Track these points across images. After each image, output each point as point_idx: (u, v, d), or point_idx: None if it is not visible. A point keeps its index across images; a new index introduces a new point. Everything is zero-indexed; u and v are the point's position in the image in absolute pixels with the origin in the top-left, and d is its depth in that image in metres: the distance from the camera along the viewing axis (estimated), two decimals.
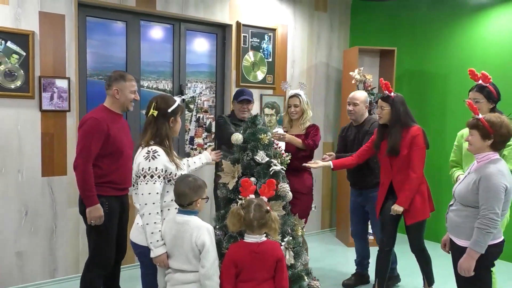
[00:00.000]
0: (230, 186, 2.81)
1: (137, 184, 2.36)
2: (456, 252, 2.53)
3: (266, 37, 4.89)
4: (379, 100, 3.33)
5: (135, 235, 2.43)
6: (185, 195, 2.22)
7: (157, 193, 2.30)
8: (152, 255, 2.30)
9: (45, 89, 3.62)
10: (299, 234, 2.95)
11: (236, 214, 2.25)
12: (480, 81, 3.01)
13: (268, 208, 2.29)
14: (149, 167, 2.32)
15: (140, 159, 2.35)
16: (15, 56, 3.49)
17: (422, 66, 5.31)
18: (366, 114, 3.77)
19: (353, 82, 4.86)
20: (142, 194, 2.30)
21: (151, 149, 2.35)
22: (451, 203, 2.65)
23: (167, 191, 2.39)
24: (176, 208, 2.33)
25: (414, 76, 5.38)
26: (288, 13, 5.07)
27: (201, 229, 2.19)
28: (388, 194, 3.38)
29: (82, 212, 2.96)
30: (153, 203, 2.29)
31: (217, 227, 2.90)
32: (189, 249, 2.18)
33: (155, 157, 2.33)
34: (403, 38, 5.41)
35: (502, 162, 2.47)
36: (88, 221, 2.90)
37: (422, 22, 5.27)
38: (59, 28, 3.67)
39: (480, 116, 2.48)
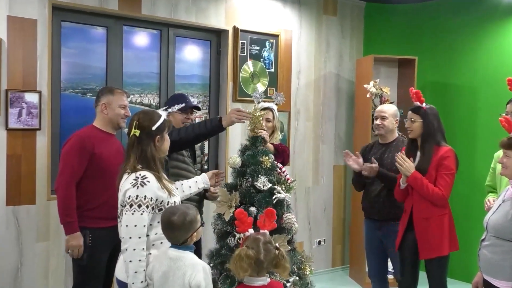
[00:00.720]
0: (227, 218, 2.81)
1: (121, 215, 2.36)
2: None
3: (267, 44, 4.95)
4: (409, 112, 3.35)
5: (121, 271, 2.41)
6: (176, 237, 2.21)
7: (144, 225, 2.29)
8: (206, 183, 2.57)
9: (13, 104, 3.64)
10: (307, 273, 2.94)
11: (246, 257, 2.13)
12: None
13: (277, 245, 2.27)
14: (137, 195, 2.31)
15: (127, 186, 2.35)
16: None
17: (447, 78, 5.35)
18: (396, 133, 3.76)
19: (368, 95, 4.89)
20: (127, 225, 2.29)
21: (140, 174, 2.36)
22: (483, 237, 2.61)
23: (159, 221, 2.37)
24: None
25: (438, 89, 5.41)
26: (292, 17, 5.14)
27: (196, 268, 2.17)
28: (409, 224, 3.35)
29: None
30: (139, 237, 2.28)
31: (211, 265, 2.89)
32: None
33: (144, 184, 2.33)
34: (425, 46, 5.46)
35: None
36: (65, 250, 2.95)
37: (446, 28, 5.33)
38: (30, 35, 3.71)
39: None
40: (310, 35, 5.29)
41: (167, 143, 2.54)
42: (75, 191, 2.95)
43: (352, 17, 5.62)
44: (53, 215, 3.83)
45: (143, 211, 2.30)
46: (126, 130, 3.05)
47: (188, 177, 3.02)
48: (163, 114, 2.53)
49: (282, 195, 2.80)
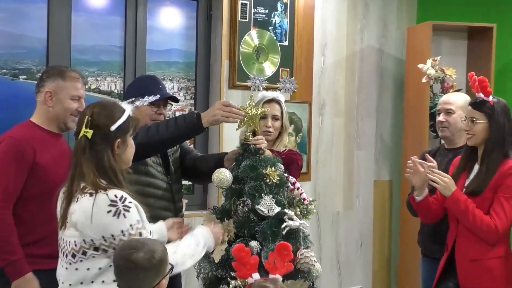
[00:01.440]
0: (217, 258, 2.82)
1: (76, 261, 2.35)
2: None
3: (279, 6, 4.93)
4: (469, 108, 3.32)
5: None
6: (139, 283, 2.15)
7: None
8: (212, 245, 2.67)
9: None
10: None
11: None
12: None
13: None
14: (122, 230, 2.30)
15: (100, 217, 2.29)
16: None
17: None
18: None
19: (424, 80, 4.87)
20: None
21: (115, 195, 2.32)
22: None
23: (110, 265, 2.35)
24: None
25: None
26: None
27: None
28: (450, 265, 3.34)
29: None
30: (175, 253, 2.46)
31: None
32: None
33: (128, 211, 2.32)
34: (507, 9, 5.45)
35: None
36: None
37: None
38: None
39: None
40: None
41: (131, 149, 2.50)
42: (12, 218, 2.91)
43: None
44: None
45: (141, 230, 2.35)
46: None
47: (155, 196, 3.03)
48: (127, 108, 2.49)
49: (296, 222, 2.78)
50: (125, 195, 2.33)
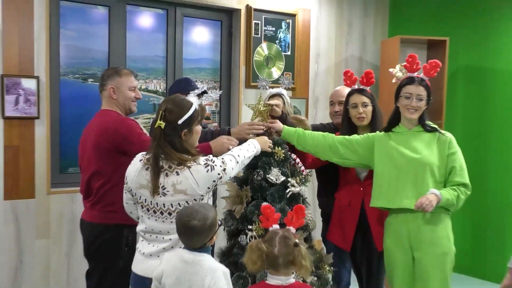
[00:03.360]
0: (238, 214, 2.79)
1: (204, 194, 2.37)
2: None
3: (283, 24, 4.91)
4: (356, 94, 3.29)
5: (139, 266, 2.41)
6: (195, 241, 2.14)
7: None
8: (261, 148, 2.68)
9: (9, 91, 3.67)
10: (326, 273, 2.93)
11: (256, 249, 2.18)
12: None
13: (297, 241, 2.26)
14: (218, 173, 2.36)
15: (200, 175, 2.30)
16: None
17: (483, 61, 5.25)
18: None
19: (393, 81, 4.77)
20: (232, 169, 2.46)
21: (205, 159, 2.34)
22: None
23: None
24: None
25: (472, 74, 5.33)
26: None
27: (216, 273, 2.10)
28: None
29: (101, 245, 2.91)
30: (237, 163, 2.50)
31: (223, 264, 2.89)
32: None
33: (215, 163, 2.35)
34: (457, 26, 5.36)
35: None
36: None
37: (482, 5, 5.22)
38: (26, 16, 3.72)
39: None
40: (330, 15, 5.25)
41: (196, 135, 2.43)
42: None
43: None
44: (53, 210, 3.88)
45: (225, 168, 2.40)
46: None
47: None
48: (195, 103, 2.42)
49: (297, 188, 2.78)
50: (208, 157, 2.36)
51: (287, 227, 2.32)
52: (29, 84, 3.74)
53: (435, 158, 2.88)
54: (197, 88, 3.37)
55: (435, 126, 3.03)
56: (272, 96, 3.32)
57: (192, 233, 2.12)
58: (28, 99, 3.75)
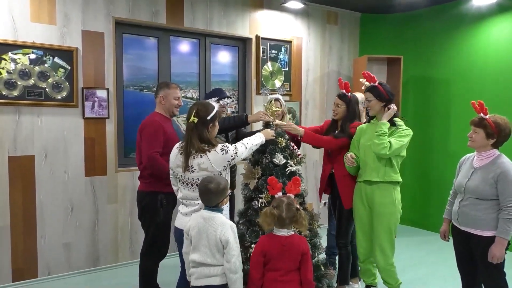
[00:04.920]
0: (251, 186, 2.79)
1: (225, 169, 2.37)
2: (480, 243, 2.45)
3: (283, 48, 4.86)
4: (336, 97, 3.21)
5: (179, 222, 2.44)
6: (210, 199, 2.18)
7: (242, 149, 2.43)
8: (265, 138, 2.63)
9: (87, 98, 3.67)
10: (316, 227, 2.92)
11: (270, 215, 2.21)
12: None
13: (298, 206, 2.26)
14: (231, 155, 2.34)
15: (219, 158, 2.30)
16: (61, 70, 3.56)
17: (427, 73, 5.19)
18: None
19: (362, 88, 4.74)
20: (242, 153, 2.42)
21: (221, 146, 2.33)
22: (460, 199, 2.57)
23: (184, 188, 2.41)
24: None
25: (420, 82, 5.26)
26: (302, 27, 5.03)
27: (225, 226, 2.14)
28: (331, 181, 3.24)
29: (142, 208, 2.96)
30: (245, 148, 2.45)
31: (240, 222, 2.89)
32: (213, 243, 2.14)
33: (228, 148, 2.34)
34: (409, 47, 5.30)
35: (504, 156, 2.48)
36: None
37: (426, 32, 5.15)
38: (99, 44, 3.72)
39: (486, 116, 2.46)
40: (316, 40, 5.17)
41: (216, 129, 2.44)
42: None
43: (350, 25, 5.46)
44: (120, 183, 3.90)
45: (237, 152, 2.38)
46: (176, 118, 3.05)
47: None
48: (215, 106, 2.44)
49: (294, 167, 2.76)
50: (224, 144, 2.36)
51: (287, 194, 2.33)
52: (101, 93, 3.74)
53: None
54: (227, 96, 3.41)
55: (399, 120, 2.92)
56: (272, 100, 3.26)
57: (209, 193, 2.16)
58: (101, 104, 3.74)
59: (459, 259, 2.65)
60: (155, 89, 3.28)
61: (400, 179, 2.92)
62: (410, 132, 2.87)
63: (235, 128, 3.24)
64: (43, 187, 3.55)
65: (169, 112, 3.06)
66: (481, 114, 2.47)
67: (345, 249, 3.21)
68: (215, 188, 2.16)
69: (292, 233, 2.25)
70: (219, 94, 3.40)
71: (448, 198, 2.79)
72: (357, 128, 3.08)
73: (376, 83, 2.90)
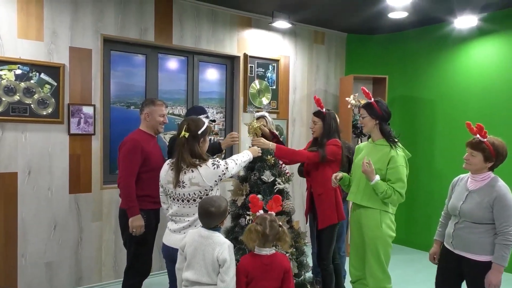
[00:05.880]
0: (239, 203, 2.80)
1: (212, 188, 2.37)
2: (474, 267, 2.41)
3: (270, 67, 4.94)
4: (312, 115, 3.24)
5: (167, 238, 2.44)
6: (210, 222, 2.17)
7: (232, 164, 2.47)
8: (253, 155, 2.66)
9: (73, 115, 3.66)
10: (302, 245, 2.93)
11: (254, 231, 2.20)
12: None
13: (280, 223, 2.27)
14: (223, 171, 2.37)
15: (210, 173, 2.32)
16: (47, 86, 3.55)
17: (412, 92, 5.32)
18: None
19: (349, 106, 4.87)
20: (232, 168, 2.46)
21: (212, 161, 2.36)
22: (455, 221, 2.51)
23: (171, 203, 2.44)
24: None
25: (405, 102, 5.39)
26: (290, 46, 5.13)
27: (223, 246, 2.12)
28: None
29: (123, 225, 2.96)
30: (236, 164, 2.49)
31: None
32: (209, 262, 2.12)
33: (219, 163, 2.37)
34: (394, 67, 5.43)
35: (500, 179, 2.44)
36: (130, 230, 2.87)
37: (411, 53, 5.31)
38: (86, 61, 3.73)
39: (485, 139, 2.39)
40: (303, 59, 5.27)
41: (207, 144, 2.46)
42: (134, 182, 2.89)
43: (336, 45, 5.59)
44: (105, 200, 3.86)
45: (227, 167, 2.41)
46: (163, 135, 3.05)
47: None
48: (206, 121, 2.46)
49: (282, 185, 2.79)
50: (214, 159, 2.38)
51: (269, 212, 2.34)
52: (88, 110, 3.74)
53: (377, 166, 2.73)
54: (207, 114, 3.42)
55: (394, 141, 2.81)
56: (258, 118, 3.28)
57: (210, 216, 2.15)
58: (87, 120, 3.74)
59: (442, 281, 2.60)
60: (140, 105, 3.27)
61: (389, 209, 2.79)
62: (403, 161, 2.77)
63: (211, 153, 3.28)
64: (25, 205, 3.50)
65: (153, 129, 3.06)
66: (478, 136, 2.40)
67: (327, 270, 3.18)
68: (217, 211, 2.16)
69: (273, 251, 2.25)
70: (200, 111, 3.37)
71: (440, 219, 2.73)
72: (356, 147, 3.08)
73: (372, 100, 2.87)
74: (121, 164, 2.90)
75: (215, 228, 2.19)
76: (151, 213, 2.95)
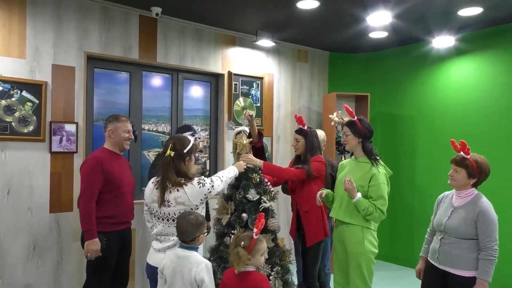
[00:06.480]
0: (224, 221, 2.80)
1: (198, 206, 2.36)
2: (458, 283, 2.44)
3: (254, 84, 5.00)
4: (294, 133, 3.28)
5: (151, 258, 2.41)
6: (188, 232, 2.16)
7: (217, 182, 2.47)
8: (238, 170, 2.69)
9: (55, 133, 3.63)
10: (287, 263, 2.93)
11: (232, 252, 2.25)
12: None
13: (242, 243, 2.23)
14: (208, 189, 2.37)
15: (195, 192, 2.31)
16: (29, 104, 3.52)
17: (393, 110, 5.44)
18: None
19: (332, 123, 4.92)
20: (218, 186, 2.45)
21: (198, 180, 2.35)
22: (441, 236, 2.55)
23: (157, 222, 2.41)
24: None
25: (386, 119, 5.50)
26: (273, 64, 5.20)
27: (200, 265, 2.12)
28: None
29: (83, 246, 2.90)
30: (221, 180, 2.50)
31: (212, 258, 2.87)
32: (188, 282, 2.12)
33: (205, 181, 2.37)
34: (376, 85, 5.56)
35: (483, 196, 2.51)
36: (84, 254, 2.80)
37: (392, 71, 5.44)
38: (69, 79, 3.72)
39: (468, 156, 2.47)
40: (287, 77, 5.35)
41: (192, 162, 2.45)
42: (95, 203, 2.82)
43: (320, 63, 5.69)
44: None
45: (213, 185, 2.40)
46: (147, 153, 3.01)
47: None
48: (191, 139, 2.45)
49: (267, 204, 2.80)
50: (200, 178, 2.37)
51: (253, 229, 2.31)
52: (70, 127, 3.70)
53: (359, 183, 2.76)
54: (195, 131, 3.44)
55: (376, 159, 2.84)
56: (238, 132, 3.23)
57: (187, 224, 2.14)
58: (69, 138, 3.70)
59: None
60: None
61: (371, 226, 2.81)
62: (384, 179, 2.79)
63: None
64: (4, 225, 3.42)
65: (119, 146, 2.99)
66: (462, 153, 2.48)
67: None
68: (194, 219, 2.15)
69: (251, 268, 2.24)
70: (188, 130, 3.43)
71: (425, 236, 2.77)
72: (339, 164, 3.12)
73: (355, 118, 2.90)
74: (81, 184, 2.85)
75: (192, 247, 2.17)
76: (113, 235, 2.87)
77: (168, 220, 2.33)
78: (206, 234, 2.24)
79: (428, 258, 2.67)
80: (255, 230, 2.28)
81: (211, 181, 2.41)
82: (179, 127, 3.86)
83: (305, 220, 3.14)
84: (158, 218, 2.37)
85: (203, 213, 2.42)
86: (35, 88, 3.53)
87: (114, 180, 2.87)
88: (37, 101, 3.54)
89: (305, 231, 3.13)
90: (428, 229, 2.78)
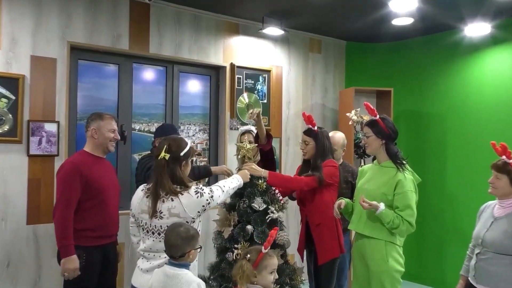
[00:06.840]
0: (226, 235, 2.78)
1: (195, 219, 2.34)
2: None
3: (260, 78, 4.97)
4: (302, 134, 3.24)
5: (136, 279, 2.37)
6: (177, 246, 2.10)
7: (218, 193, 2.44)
8: (243, 180, 2.67)
9: (34, 133, 3.62)
10: (298, 282, 2.90)
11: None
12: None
13: (248, 257, 2.23)
14: (207, 199, 2.33)
15: (191, 202, 2.28)
16: (3, 100, 3.51)
17: (419, 107, 5.40)
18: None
19: (350, 123, 4.90)
20: (218, 197, 2.43)
21: (195, 189, 2.32)
22: (478, 251, 2.55)
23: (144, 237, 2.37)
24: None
25: (412, 117, 5.46)
26: (282, 55, 5.18)
27: (191, 285, 2.07)
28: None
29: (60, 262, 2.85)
30: (222, 191, 2.47)
31: (212, 277, 2.84)
32: None
33: (204, 190, 2.34)
34: (399, 79, 5.52)
35: None
36: (61, 273, 2.75)
37: (417, 63, 5.40)
38: (50, 72, 3.71)
39: (511, 160, 2.46)
40: (298, 70, 5.32)
41: (189, 168, 2.43)
42: (73, 214, 2.76)
43: (335, 54, 5.67)
44: None
45: (212, 195, 2.37)
46: (137, 156, 2.97)
47: None
48: (188, 142, 2.43)
49: (275, 214, 2.77)
50: (198, 186, 2.35)
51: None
52: (51, 127, 3.70)
53: (382, 191, 2.73)
54: (177, 133, 3.39)
55: (402, 163, 2.80)
56: (244, 133, 3.28)
57: (176, 239, 2.10)
58: (50, 140, 3.69)
59: None
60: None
61: (396, 241, 2.78)
62: (412, 186, 2.76)
63: (200, 178, 3.29)
64: None
65: (102, 148, 2.96)
66: (504, 158, 2.49)
67: None
68: (184, 232, 2.10)
69: (256, 286, 2.21)
70: (171, 131, 3.27)
71: (467, 252, 2.77)
72: (359, 170, 3.08)
73: (377, 117, 2.86)
74: (57, 192, 2.82)
75: (183, 265, 2.13)
76: (94, 251, 2.81)
77: (159, 234, 2.28)
78: (199, 249, 2.19)
79: (468, 277, 2.66)
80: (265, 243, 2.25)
81: (211, 190, 2.37)
82: (158, 127, 3.70)
83: (316, 235, 3.11)
84: (148, 232, 2.32)
85: (199, 228, 2.37)
86: (11, 82, 3.52)
87: (95, 186, 2.83)
88: (13, 97, 3.54)
89: (317, 247, 3.10)
90: (470, 244, 2.77)
